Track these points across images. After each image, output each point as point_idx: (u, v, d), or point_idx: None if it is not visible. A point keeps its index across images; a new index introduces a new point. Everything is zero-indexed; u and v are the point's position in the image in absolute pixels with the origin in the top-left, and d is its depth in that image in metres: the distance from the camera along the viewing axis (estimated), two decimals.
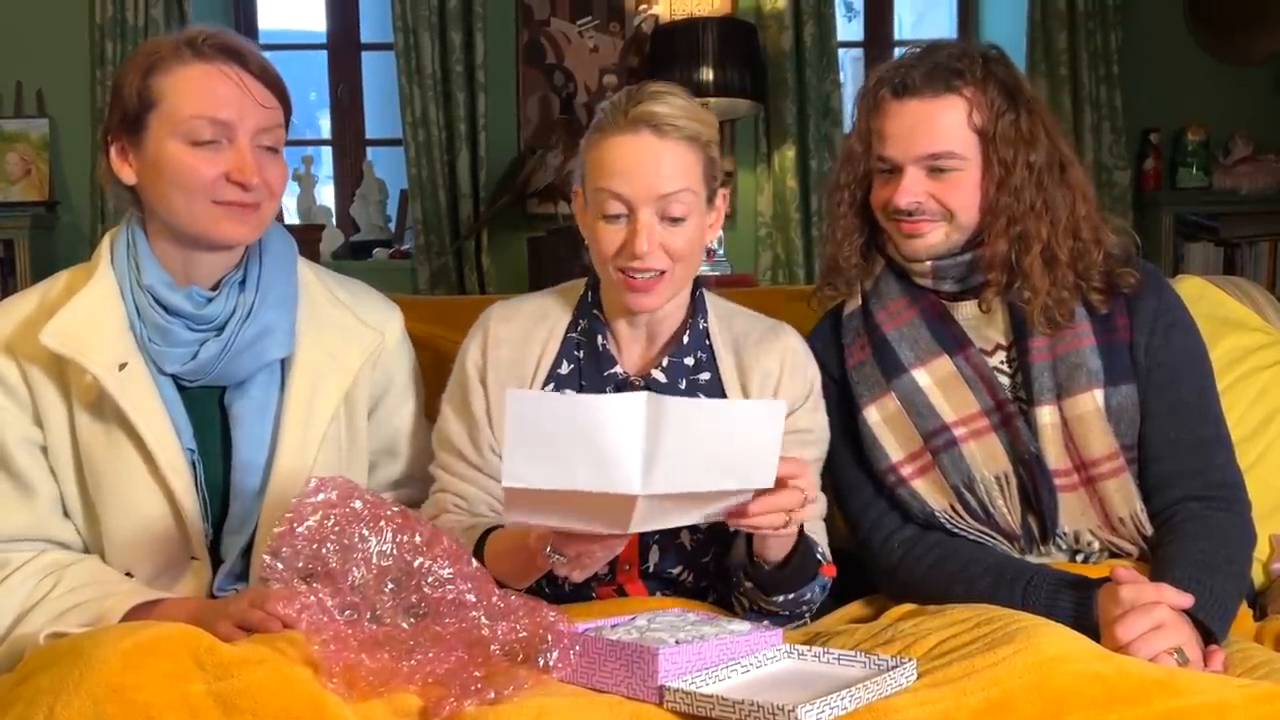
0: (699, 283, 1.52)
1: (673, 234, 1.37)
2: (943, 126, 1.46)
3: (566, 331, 1.50)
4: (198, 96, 1.33)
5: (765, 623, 1.31)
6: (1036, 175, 1.46)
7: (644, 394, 1.02)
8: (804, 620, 1.44)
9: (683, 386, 1.47)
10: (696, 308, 1.50)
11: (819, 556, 1.39)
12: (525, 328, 1.50)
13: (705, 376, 1.48)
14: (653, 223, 1.36)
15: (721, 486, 1.09)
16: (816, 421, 1.51)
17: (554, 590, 1.47)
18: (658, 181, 1.36)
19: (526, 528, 1.18)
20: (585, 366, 1.48)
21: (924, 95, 1.46)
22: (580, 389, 1.47)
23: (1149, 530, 1.44)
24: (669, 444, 1.01)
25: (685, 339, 1.48)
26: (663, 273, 1.39)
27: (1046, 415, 1.46)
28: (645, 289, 1.39)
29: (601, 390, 1.45)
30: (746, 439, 1.09)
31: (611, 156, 1.37)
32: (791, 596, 1.36)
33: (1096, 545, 1.47)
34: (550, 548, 1.16)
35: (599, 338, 1.48)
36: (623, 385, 1.46)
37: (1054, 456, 1.46)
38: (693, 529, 1.42)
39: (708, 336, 1.50)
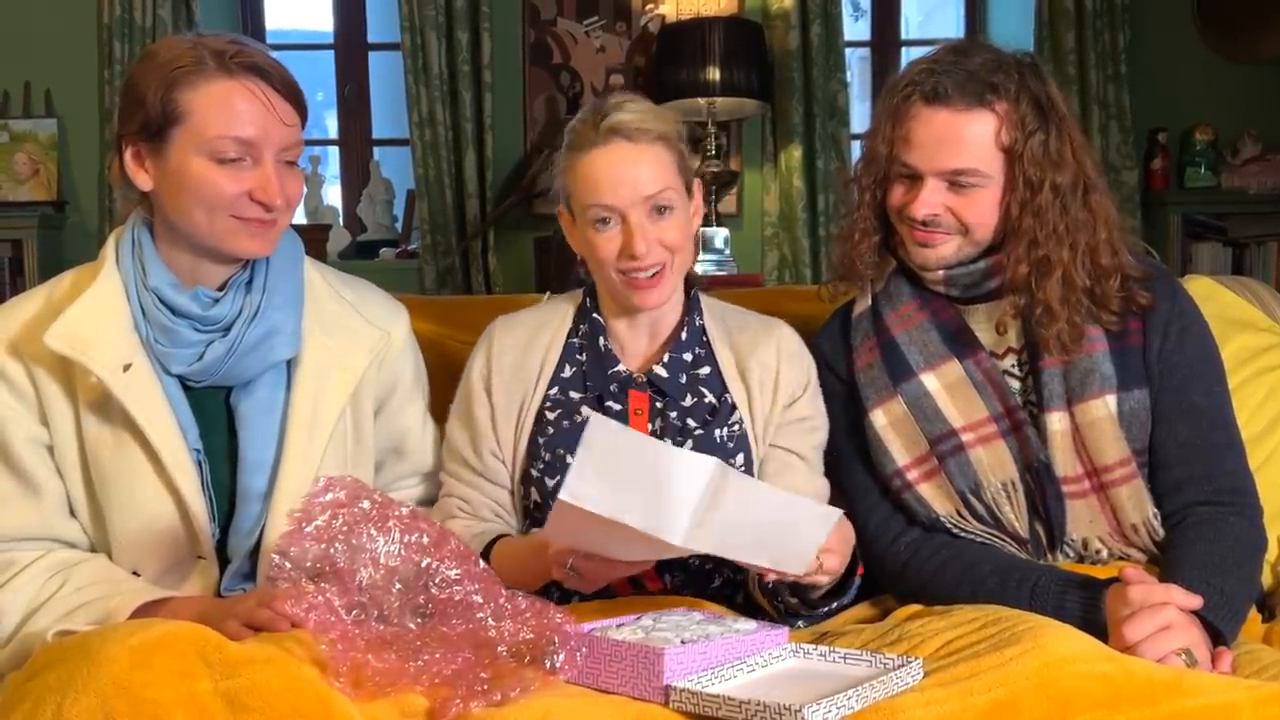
0: (693, 283, 1.58)
1: (664, 228, 1.44)
2: (970, 142, 1.43)
3: (568, 337, 1.55)
4: (224, 116, 1.33)
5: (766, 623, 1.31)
6: (1061, 198, 1.44)
7: (714, 460, 1.05)
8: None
9: (683, 381, 1.50)
10: (691, 306, 1.56)
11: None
12: (527, 335, 1.55)
13: (705, 371, 1.52)
14: (644, 223, 1.42)
15: (754, 562, 1.14)
16: (817, 408, 1.56)
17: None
18: (639, 185, 1.42)
19: (556, 542, 1.21)
20: (589, 368, 1.52)
21: (955, 106, 1.43)
22: (585, 389, 1.51)
23: (1161, 536, 1.43)
24: (721, 513, 1.06)
25: (684, 335, 1.53)
26: (663, 267, 1.44)
27: (1056, 422, 1.45)
28: (649, 285, 1.44)
29: (606, 388, 1.50)
30: (794, 533, 1.13)
31: (591, 172, 1.43)
32: (835, 605, 1.41)
33: (1105, 553, 1.46)
34: (571, 564, 1.19)
35: (600, 339, 1.53)
36: (626, 383, 1.50)
37: (1065, 463, 1.45)
38: None
39: (704, 333, 1.55)
